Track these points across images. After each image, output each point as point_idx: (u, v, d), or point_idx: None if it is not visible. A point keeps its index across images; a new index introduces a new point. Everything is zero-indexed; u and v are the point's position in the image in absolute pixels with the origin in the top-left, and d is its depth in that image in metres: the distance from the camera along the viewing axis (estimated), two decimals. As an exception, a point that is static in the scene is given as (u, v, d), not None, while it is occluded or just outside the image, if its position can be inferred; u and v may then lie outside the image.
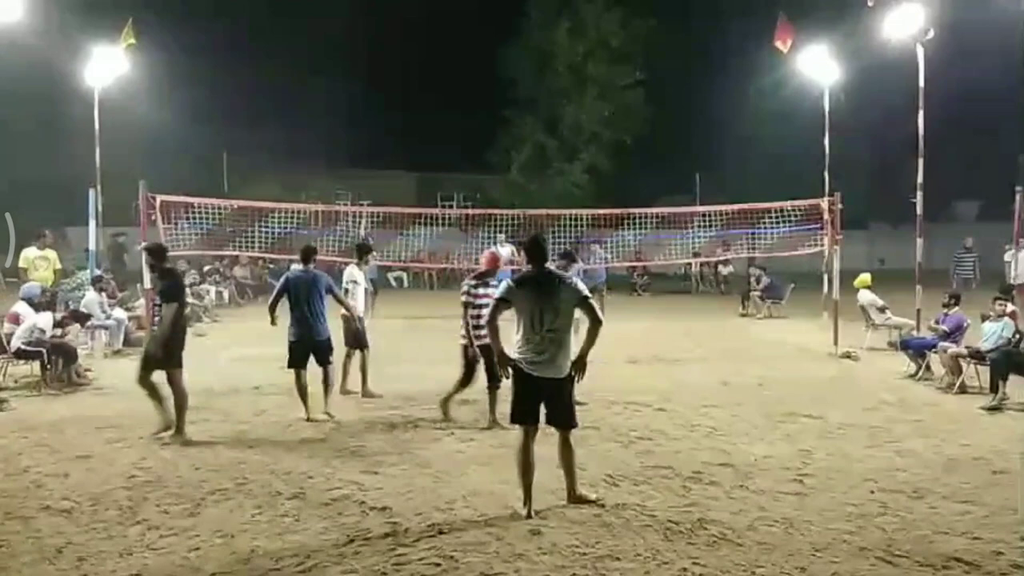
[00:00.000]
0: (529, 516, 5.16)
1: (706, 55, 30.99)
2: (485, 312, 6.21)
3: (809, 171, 16.43)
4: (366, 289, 14.73)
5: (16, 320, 9.69)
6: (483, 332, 6.84)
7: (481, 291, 7.31)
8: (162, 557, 4.63)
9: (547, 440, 5.50)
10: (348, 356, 8.96)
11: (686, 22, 30.10)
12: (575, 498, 5.38)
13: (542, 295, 5.16)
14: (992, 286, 11.81)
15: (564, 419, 5.31)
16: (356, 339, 8.91)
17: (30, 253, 12.49)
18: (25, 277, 11.81)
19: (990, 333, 9.06)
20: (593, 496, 5.43)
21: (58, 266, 12.80)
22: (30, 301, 9.86)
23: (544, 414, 5.30)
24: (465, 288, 7.44)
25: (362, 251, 9.46)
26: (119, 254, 17.55)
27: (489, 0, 31.45)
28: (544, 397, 5.24)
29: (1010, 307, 9.36)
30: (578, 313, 5.33)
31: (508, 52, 29.66)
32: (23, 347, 9.44)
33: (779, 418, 7.91)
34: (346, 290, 8.95)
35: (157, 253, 7.45)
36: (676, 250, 18.75)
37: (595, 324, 5.23)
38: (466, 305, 7.39)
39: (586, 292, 5.31)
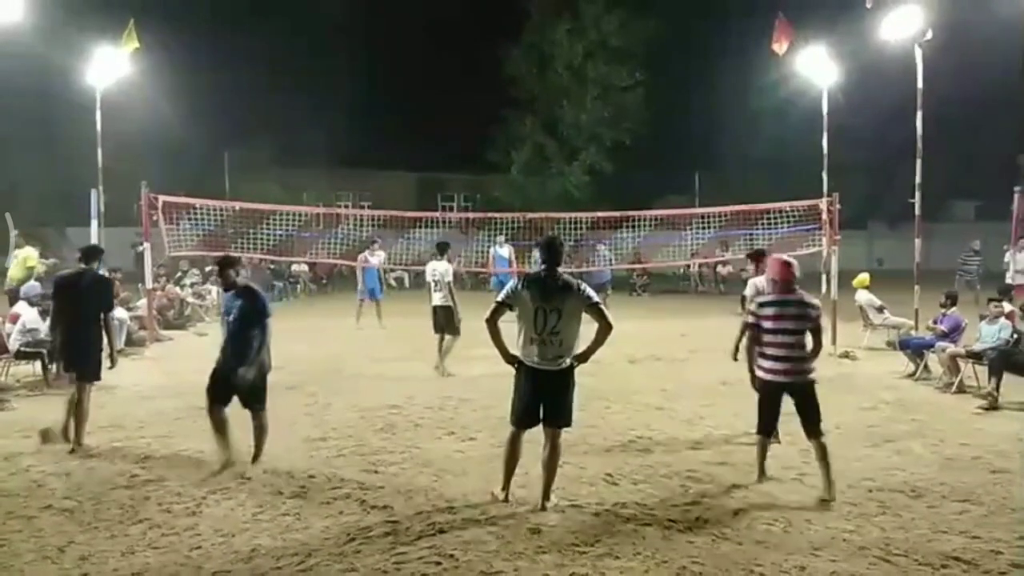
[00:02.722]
0: (506, 500, 5.36)
1: (706, 55, 31.01)
2: (775, 338, 5.64)
3: (808, 171, 16.43)
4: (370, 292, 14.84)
5: (16, 320, 9.75)
6: (768, 364, 5.71)
7: (768, 311, 5.76)
8: (164, 556, 4.65)
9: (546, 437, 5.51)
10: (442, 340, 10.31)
11: (686, 22, 30.11)
12: (543, 506, 5.29)
13: (546, 297, 5.16)
14: (994, 287, 11.84)
15: (561, 416, 5.30)
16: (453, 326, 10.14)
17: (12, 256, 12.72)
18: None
19: (987, 335, 9.08)
20: (552, 502, 5.35)
21: (31, 264, 12.95)
22: (29, 300, 9.92)
23: (541, 414, 5.30)
24: (753, 308, 5.91)
25: (442, 248, 10.45)
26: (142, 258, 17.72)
27: (489, 0, 31.44)
28: (545, 395, 5.25)
29: (1007, 307, 9.40)
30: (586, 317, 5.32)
31: (508, 52, 29.70)
32: (22, 348, 9.49)
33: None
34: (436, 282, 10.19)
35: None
36: (675, 250, 18.78)
37: (605, 329, 5.23)
38: (750, 327, 5.91)
39: (595, 298, 5.31)
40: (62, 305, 6.87)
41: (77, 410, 6.72)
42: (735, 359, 6.80)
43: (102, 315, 6.86)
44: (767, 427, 5.94)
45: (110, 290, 7.27)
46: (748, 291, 7.38)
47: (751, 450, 6.77)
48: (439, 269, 10.30)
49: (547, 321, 5.14)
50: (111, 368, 7.02)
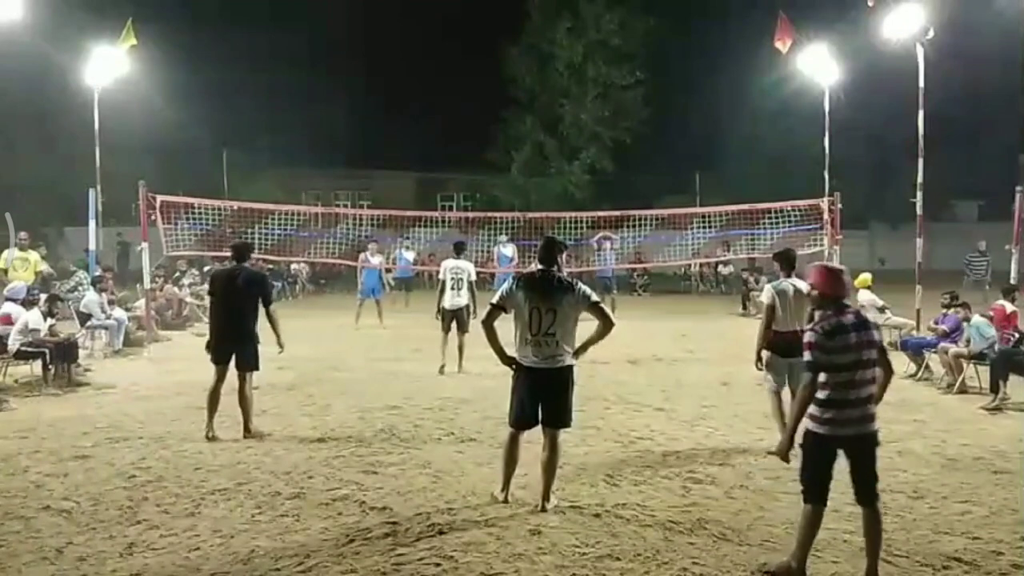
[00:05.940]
0: (506, 501, 5.35)
1: (706, 55, 31.01)
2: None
3: (809, 171, 16.42)
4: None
5: (9, 321, 9.73)
6: (827, 414, 4.30)
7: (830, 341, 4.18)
8: (162, 557, 4.62)
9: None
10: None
11: (686, 22, 30.11)
12: (543, 507, 5.24)
13: (541, 297, 5.12)
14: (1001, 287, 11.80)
15: (560, 416, 5.26)
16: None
17: (10, 255, 12.54)
18: (5, 279, 11.85)
19: (976, 335, 9.07)
20: (552, 503, 5.31)
21: (40, 268, 12.86)
22: (20, 301, 9.91)
23: (540, 415, 5.26)
24: (812, 335, 4.24)
25: (459, 247, 10.51)
26: (124, 252, 17.68)
27: (490, 0, 31.47)
28: (544, 395, 5.22)
29: (1009, 307, 9.38)
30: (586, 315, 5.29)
31: (508, 52, 29.70)
32: (23, 348, 9.47)
33: (779, 418, 7.89)
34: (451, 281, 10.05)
35: None
36: (676, 250, 18.75)
37: (607, 326, 5.20)
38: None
39: (595, 297, 5.27)
40: (219, 300, 7.25)
41: (240, 398, 7.08)
42: None
43: (263, 308, 7.15)
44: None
45: (267, 283, 7.50)
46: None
47: (751, 450, 6.76)
48: (462, 267, 10.09)
49: (542, 322, 5.09)
50: (280, 353, 7.29)
